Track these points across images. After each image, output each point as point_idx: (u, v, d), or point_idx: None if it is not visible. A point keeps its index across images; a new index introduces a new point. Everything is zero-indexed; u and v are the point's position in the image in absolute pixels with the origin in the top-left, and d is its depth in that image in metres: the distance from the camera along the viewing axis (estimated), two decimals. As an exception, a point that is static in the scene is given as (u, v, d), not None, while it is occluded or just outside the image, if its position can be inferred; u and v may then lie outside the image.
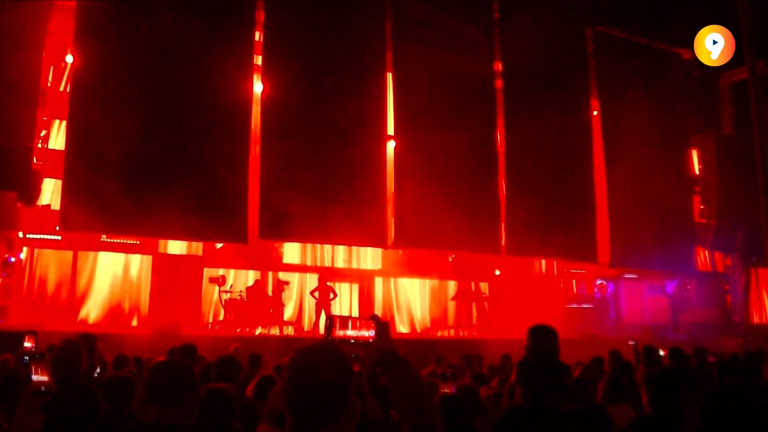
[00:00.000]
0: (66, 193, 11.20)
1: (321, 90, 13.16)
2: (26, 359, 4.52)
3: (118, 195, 10.92)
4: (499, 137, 15.17)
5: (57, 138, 13.30)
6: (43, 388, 3.17)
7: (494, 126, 15.16)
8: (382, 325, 2.06)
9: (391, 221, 13.72)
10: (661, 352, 6.96)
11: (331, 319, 2.02)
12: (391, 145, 14.14)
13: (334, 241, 14.27)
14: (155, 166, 11.66)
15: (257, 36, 13.24)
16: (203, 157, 12.01)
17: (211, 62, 12.24)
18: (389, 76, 14.19)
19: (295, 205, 12.57)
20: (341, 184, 12.98)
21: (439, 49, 14.50)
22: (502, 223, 14.76)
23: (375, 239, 13.76)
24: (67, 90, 12.30)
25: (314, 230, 12.84)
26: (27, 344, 4.49)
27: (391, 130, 14.08)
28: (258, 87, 13.19)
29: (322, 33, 13.39)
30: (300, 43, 13.19)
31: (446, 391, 4.30)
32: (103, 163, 11.19)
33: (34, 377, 3.14)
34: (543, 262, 17.88)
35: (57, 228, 11.63)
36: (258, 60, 13.26)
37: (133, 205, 11.15)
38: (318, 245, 15.35)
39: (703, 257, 19.06)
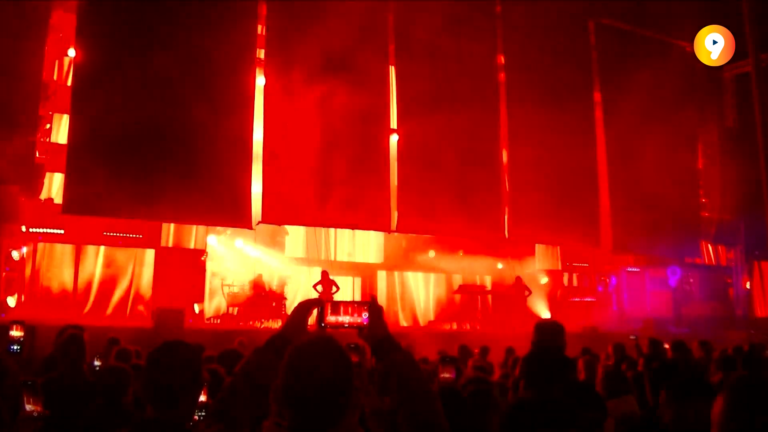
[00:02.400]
0: (69, 179, 11.23)
1: (323, 81, 13.12)
2: (14, 348, 4.53)
3: (122, 181, 10.96)
4: (502, 127, 15.18)
5: (60, 131, 13.28)
6: (36, 415, 3.04)
7: (497, 116, 15.17)
8: (376, 310, 1.97)
9: (394, 206, 13.78)
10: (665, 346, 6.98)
11: (322, 306, 1.97)
12: (394, 138, 14.19)
13: (337, 225, 14.29)
14: (158, 154, 11.69)
15: (260, 29, 13.23)
16: (206, 144, 12.04)
17: (214, 55, 12.25)
18: (392, 68, 14.17)
19: (297, 190, 12.65)
20: (344, 170, 12.99)
21: (442, 41, 14.47)
22: (506, 209, 14.80)
23: (378, 223, 13.81)
24: (70, 84, 12.29)
25: (317, 214, 12.90)
26: (15, 333, 4.50)
27: (394, 120, 14.10)
28: (261, 80, 13.19)
29: (324, 26, 13.35)
30: (302, 36, 13.16)
31: (446, 375, 4.17)
32: (106, 151, 11.22)
33: (27, 407, 2.99)
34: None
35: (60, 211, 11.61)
36: (261, 53, 13.26)
37: (136, 191, 11.20)
38: (321, 239, 15.36)
39: (706, 250, 19.03)
